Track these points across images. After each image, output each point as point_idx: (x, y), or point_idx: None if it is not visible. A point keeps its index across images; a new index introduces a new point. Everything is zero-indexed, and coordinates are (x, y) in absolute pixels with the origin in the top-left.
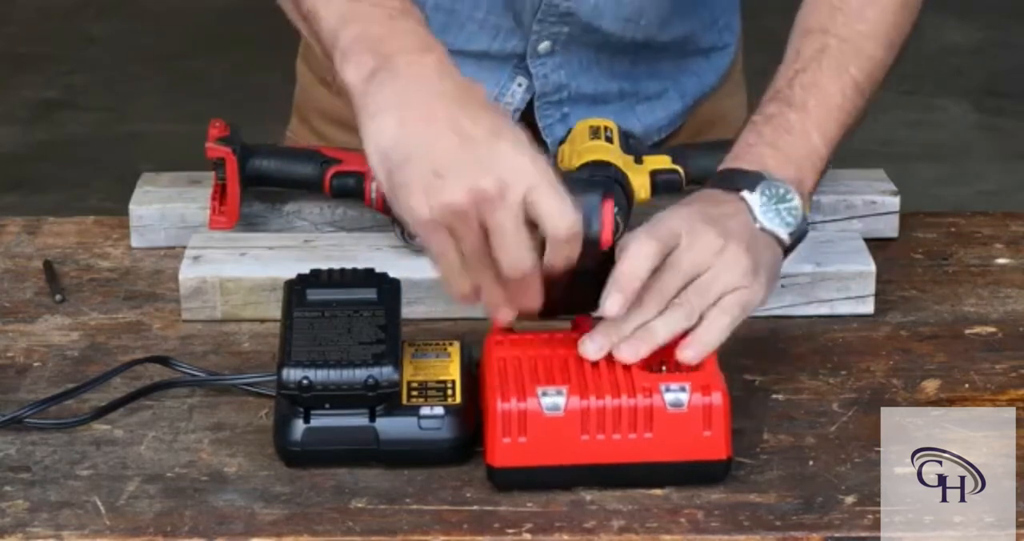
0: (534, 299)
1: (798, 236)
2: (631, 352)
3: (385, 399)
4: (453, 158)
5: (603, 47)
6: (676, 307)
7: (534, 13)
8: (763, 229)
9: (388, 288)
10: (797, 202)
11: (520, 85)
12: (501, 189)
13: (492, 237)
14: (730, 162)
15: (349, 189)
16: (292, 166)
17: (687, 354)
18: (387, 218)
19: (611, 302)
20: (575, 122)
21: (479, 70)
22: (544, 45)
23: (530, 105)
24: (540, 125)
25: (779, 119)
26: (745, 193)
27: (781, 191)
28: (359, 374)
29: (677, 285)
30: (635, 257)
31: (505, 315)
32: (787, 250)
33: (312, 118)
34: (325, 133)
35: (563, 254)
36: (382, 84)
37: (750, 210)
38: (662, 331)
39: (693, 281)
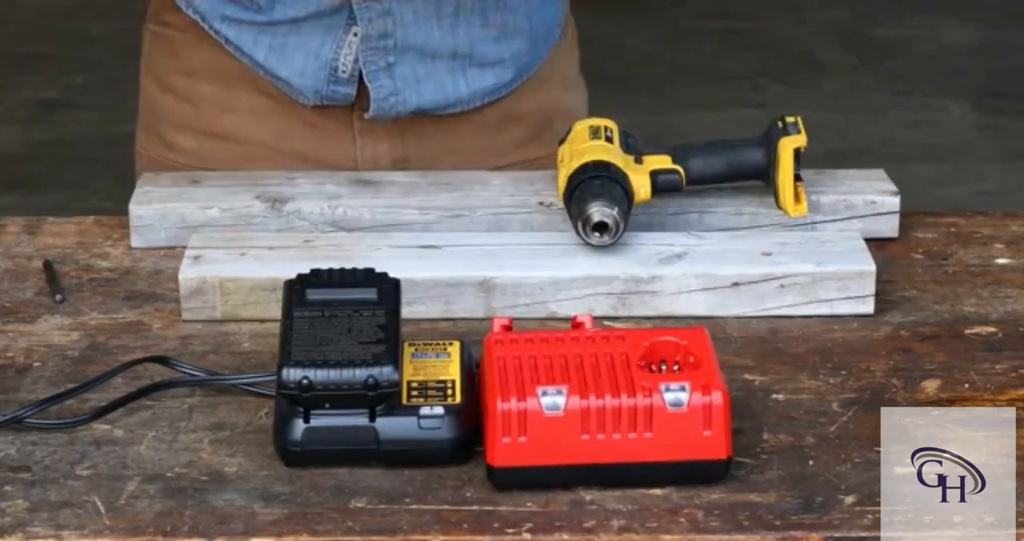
0: None
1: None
2: None
3: (385, 399)
4: None
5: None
6: None
7: None
8: None
9: (388, 288)
10: None
11: (356, 34)
12: None
13: None
14: None
15: None
16: None
17: None
18: (385, 218)
19: None
20: (399, 74)
21: (320, 32)
22: None
23: None
24: (363, 71)
25: None
26: None
27: None
28: (359, 374)
29: None
30: None
31: None
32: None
33: (162, 128)
34: (175, 142)
35: None
36: None
37: None
38: None
39: None
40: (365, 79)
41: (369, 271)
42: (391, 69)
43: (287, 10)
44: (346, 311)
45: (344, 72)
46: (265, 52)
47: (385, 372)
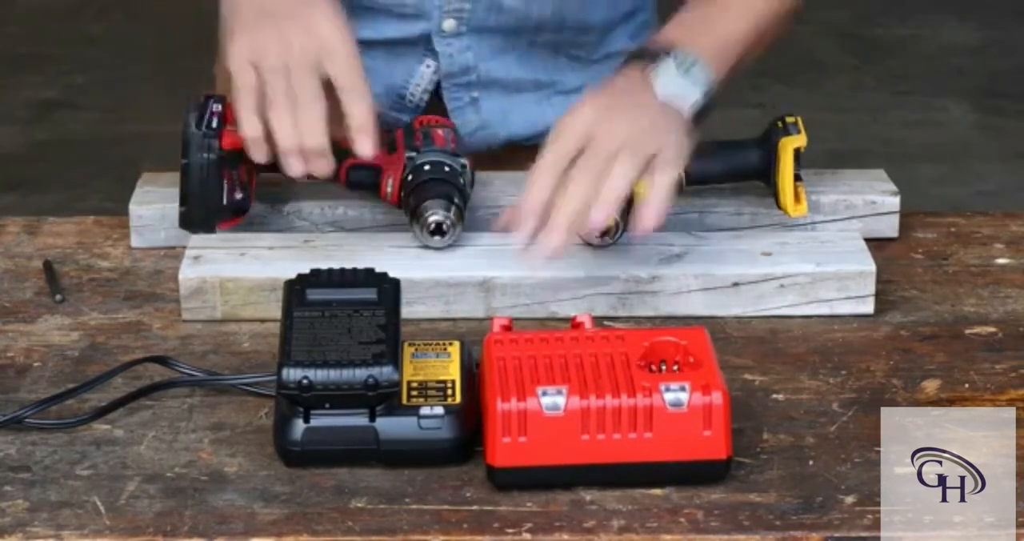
0: (323, 165)
1: (702, 109)
2: (598, 215)
3: (385, 399)
4: (278, 7)
5: (518, 32)
6: (618, 166)
7: None
8: (665, 97)
9: (388, 288)
10: (702, 76)
11: (428, 66)
12: (305, 44)
13: (294, 85)
14: (643, 42)
15: (365, 182)
16: None
17: (646, 219)
18: (386, 219)
19: (517, 224)
20: (486, 108)
21: (391, 58)
22: (449, 23)
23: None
24: (448, 108)
25: (699, 11)
26: (649, 67)
27: (688, 60)
28: (359, 374)
29: (601, 162)
30: (550, 154)
31: (295, 168)
32: (696, 119)
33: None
34: None
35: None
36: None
37: (653, 83)
38: (620, 181)
39: (618, 153)
40: (450, 115)
41: (369, 271)
42: (476, 104)
43: (364, 30)
44: (346, 311)
45: (412, 100)
46: None
47: (385, 372)
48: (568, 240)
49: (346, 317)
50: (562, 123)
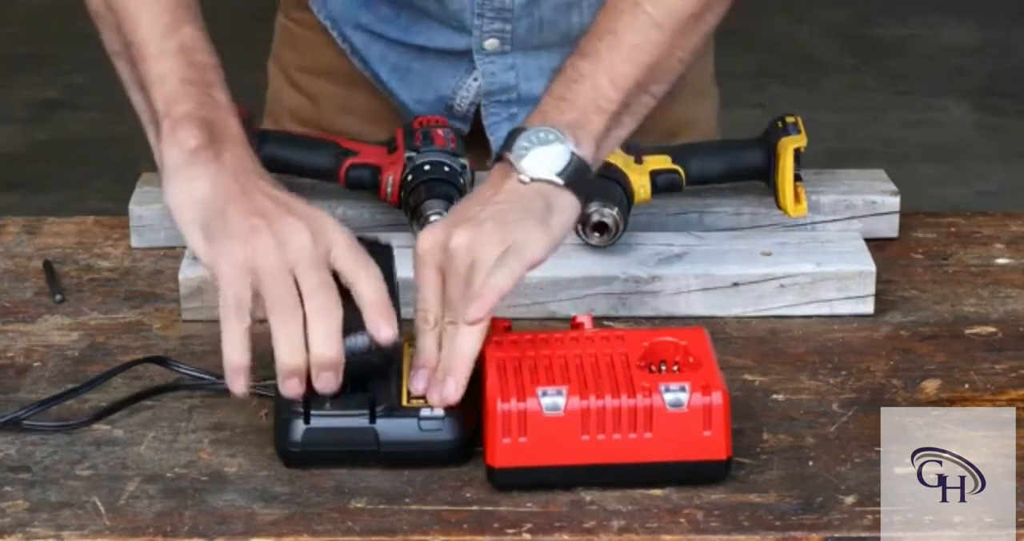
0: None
1: (574, 174)
2: (451, 387)
3: (390, 363)
4: (270, 210)
5: (563, 47)
6: (477, 266)
7: (473, 8)
8: (532, 179)
9: (381, 254)
10: (560, 145)
11: (476, 79)
12: (305, 240)
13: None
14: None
15: (365, 182)
16: (307, 155)
17: (472, 311)
18: (386, 218)
19: (417, 382)
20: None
21: (442, 67)
22: (491, 43)
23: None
24: (485, 123)
25: (569, 70)
26: (506, 153)
27: (542, 136)
28: (360, 339)
29: (461, 288)
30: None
31: (293, 389)
32: (573, 187)
33: (283, 120)
34: None
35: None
36: (207, 161)
37: (514, 167)
38: (464, 348)
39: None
40: (487, 131)
41: (360, 238)
42: (514, 120)
43: (418, 36)
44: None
45: (459, 110)
46: (388, 71)
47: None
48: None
49: (343, 285)
50: (416, 248)
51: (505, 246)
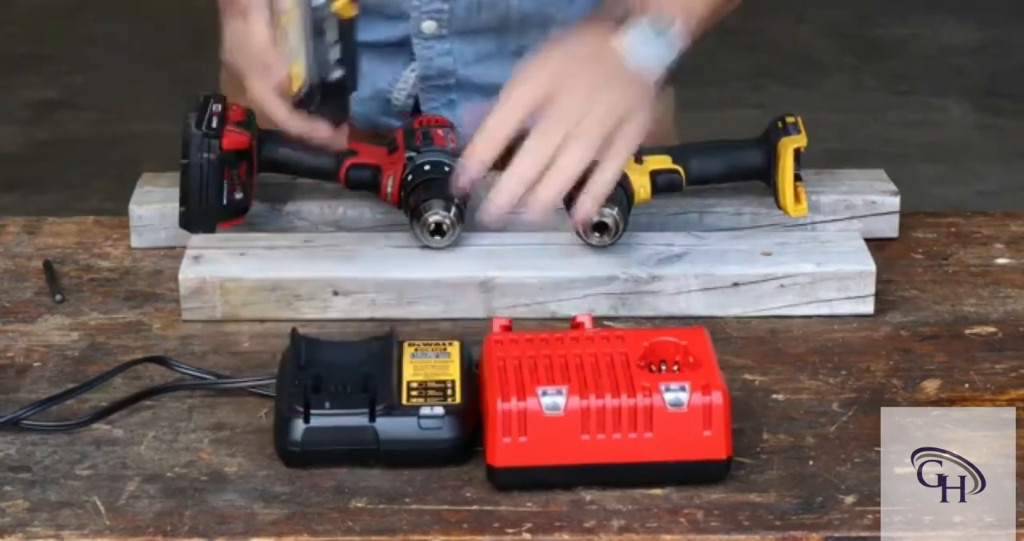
0: None
1: (669, 68)
2: (548, 191)
3: None
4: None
5: (502, 33)
6: (573, 141)
7: None
8: (637, 64)
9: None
10: (676, 35)
11: (413, 70)
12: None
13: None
14: (610, 5)
15: (364, 182)
16: (307, 155)
17: (586, 206)
18: (386, 218)
19: (478, 146)
20: (461, 110)
21: (379, 61)
22: (428, 25)
23: None
24: (423, 109)
25: None
26: (620, 30)
27: (663, 22)
28: None
29: (560, 131)
30: (504, 109)
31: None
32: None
33: None
34: None
35: None
36: None
37: (625, 47)
38: (569, 165)
39: (578, 123)
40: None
41: None
42: (452, 106)
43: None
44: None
45: (397, 104)
46: None
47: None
48: (507, 211)
49: None
50: (522, 76)
51: (612, 129)
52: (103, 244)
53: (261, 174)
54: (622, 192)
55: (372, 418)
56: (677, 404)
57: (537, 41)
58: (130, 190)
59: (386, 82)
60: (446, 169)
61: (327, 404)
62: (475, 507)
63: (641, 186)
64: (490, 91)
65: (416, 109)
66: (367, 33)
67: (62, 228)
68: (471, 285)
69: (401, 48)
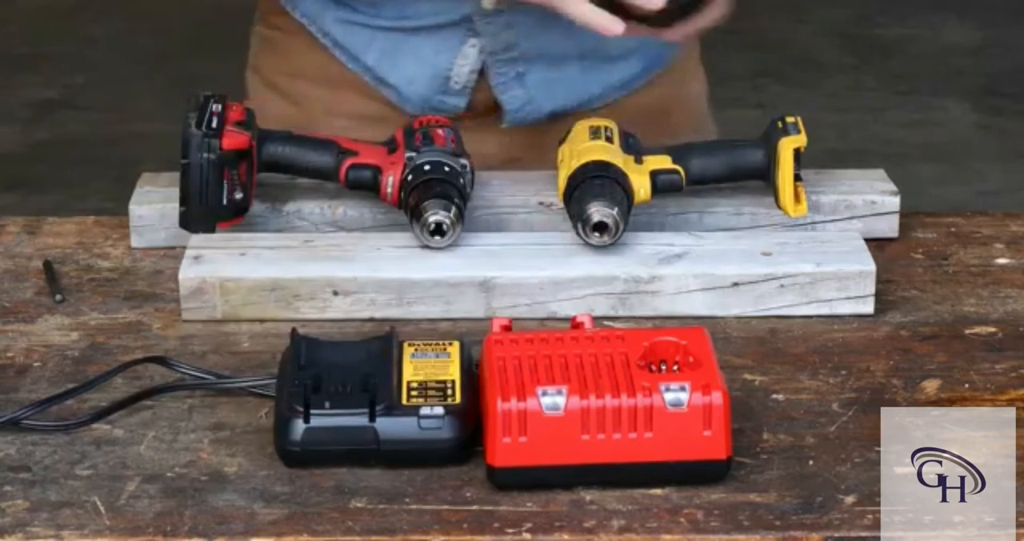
0: None
1: None
2: None
3: None
4: None
5: None
6: None
7: None
8: None
9: None
10: None
11: (473, 46)
12: None
13: None
14: None
15: (364, 182)
16: (307, 155)
17: None
18: (386, 218)
19: None
20: (531, 82)
21: (434, 42)
22: (488, 1)
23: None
24: (492, 84)
25: None
26: None
27: None
28: None
29: None
30: None
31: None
32: None
33: (267, 126)
34: None
35: None
36: None
37: None
38: None
39: None
40: (495, 91)
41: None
42: (522, 78)
43: (403, 17)
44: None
45: (457, 83)
46: (377, 56)
47: None
48: None
49: None
50: None
51: None
52: (103, 244)
53: (261, 174)
54: (622, 192)
55: (372, 418)
56: (677, 404)
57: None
58: (130, 190)
59: (445, 62)
60: (446, 169)
61: (327, 404)
62: (475, 507)
63: (641, 186)
64: (556, 60)
65: (476, 89)
66: (418, 17)
67: (62, 228)
68: (471, 285)
69: (457, 26)
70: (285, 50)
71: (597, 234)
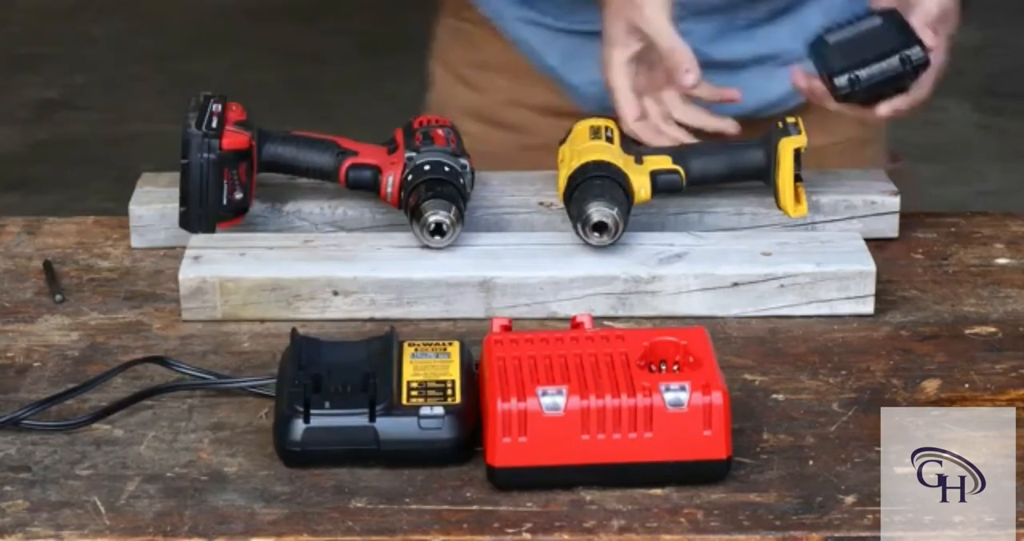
0: None
1: None
2: None
3: None
4: None
5: (735, 7)
6: None
7: None
8: None
9: None
10: None
11: None
12: None
13: None
14: None
15: (365, 182)
16: (308, 155)
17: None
18: (386, 218)
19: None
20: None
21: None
22: None
23: None
24: None
25: None
26: None
27: None
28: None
29: None
30: None
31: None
32: None
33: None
34: (468, 130)
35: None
36: None
37: None
38: None
39: None
40: None
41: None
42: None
43: (586, 21)
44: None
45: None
46: (559, 57)
47: None
48: None
49: None
50: None
51: None
52: (103, 244)
53: (261, 174)
54: (622, 192)
55: (372, 418)
56: (677, 404)
57: (765, 15)
58: (130, 190)
59: None
60: (446, 169)
61: (327, 404)
62: (475, 507)
63: (641, 186)
64: (734, 65)
65: None
66: (597, 22)
67: (62, 228)
68: (471, 285)
69: None
70: (473, 41)
71: (597, 234)
